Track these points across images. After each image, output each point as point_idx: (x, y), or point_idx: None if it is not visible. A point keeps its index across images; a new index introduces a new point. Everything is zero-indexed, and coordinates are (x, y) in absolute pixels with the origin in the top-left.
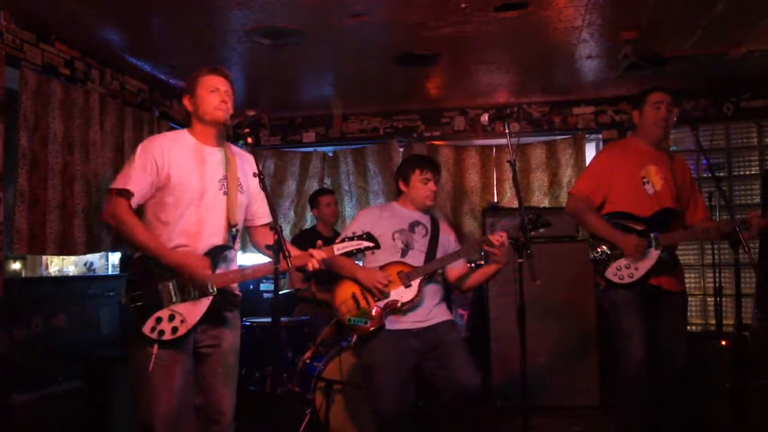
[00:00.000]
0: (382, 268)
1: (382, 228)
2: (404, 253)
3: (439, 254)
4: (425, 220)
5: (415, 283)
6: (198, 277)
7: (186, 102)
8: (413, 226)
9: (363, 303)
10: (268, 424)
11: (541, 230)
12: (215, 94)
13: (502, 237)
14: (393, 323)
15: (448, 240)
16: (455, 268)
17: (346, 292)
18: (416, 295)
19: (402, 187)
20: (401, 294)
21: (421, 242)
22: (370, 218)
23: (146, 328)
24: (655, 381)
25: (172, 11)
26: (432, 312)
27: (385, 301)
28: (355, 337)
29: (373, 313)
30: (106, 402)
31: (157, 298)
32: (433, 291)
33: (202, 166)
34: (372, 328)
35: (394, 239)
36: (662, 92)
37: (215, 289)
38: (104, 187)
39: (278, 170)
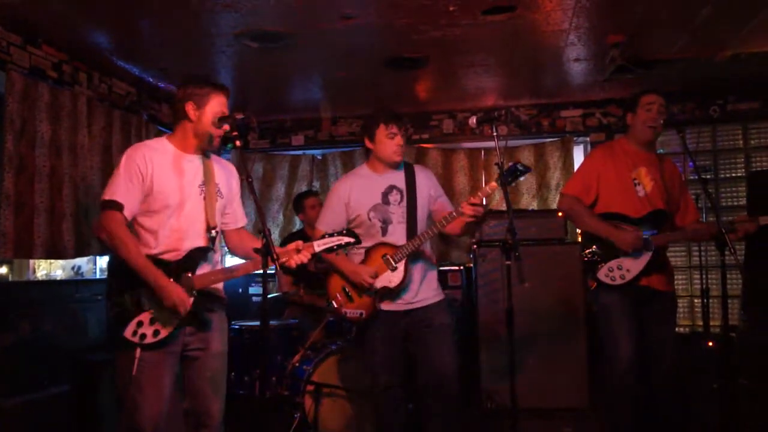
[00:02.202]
0: (367, 251)
1: (356, 209)
2: (384, 231)
3: (419, 213)
4: (398, 179)
5: (401, 264)
6: (170, 306)
7: (189, 109)
8: (386, 195)
9: (355, 295)
10: (256, 428)
11: (522, 178)
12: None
13: (479, 199)
14: (386, 305)
15: (427, 192)
16: (440, 212)
17: (337, 285)
18: (404, 276)
19: (368, 144)
20: (389, 279)
21: (398, 212)
22: (341, 202)
23: (128, 333)
24: (644, 382)
25: (161, 14)
26: (420, 291)
27: (375, 290)
28: (354, 328)
29: (366, 303)
30: (94, 405)
31: (138, 302)
32: (419, 268)
33: (180, 174)
34: (367, 317)
35: (370, 219)
36: (655, 94)
37: (195, 291)
38: (93, 190)
39: (267, 173)
